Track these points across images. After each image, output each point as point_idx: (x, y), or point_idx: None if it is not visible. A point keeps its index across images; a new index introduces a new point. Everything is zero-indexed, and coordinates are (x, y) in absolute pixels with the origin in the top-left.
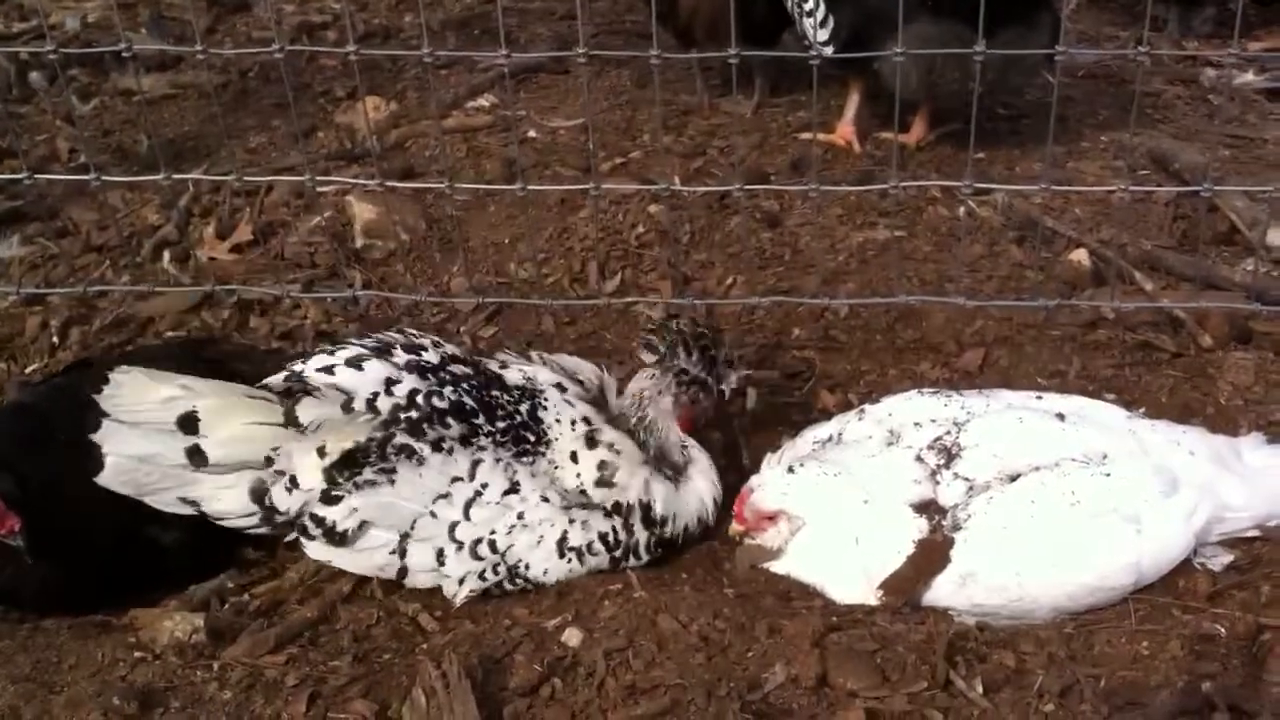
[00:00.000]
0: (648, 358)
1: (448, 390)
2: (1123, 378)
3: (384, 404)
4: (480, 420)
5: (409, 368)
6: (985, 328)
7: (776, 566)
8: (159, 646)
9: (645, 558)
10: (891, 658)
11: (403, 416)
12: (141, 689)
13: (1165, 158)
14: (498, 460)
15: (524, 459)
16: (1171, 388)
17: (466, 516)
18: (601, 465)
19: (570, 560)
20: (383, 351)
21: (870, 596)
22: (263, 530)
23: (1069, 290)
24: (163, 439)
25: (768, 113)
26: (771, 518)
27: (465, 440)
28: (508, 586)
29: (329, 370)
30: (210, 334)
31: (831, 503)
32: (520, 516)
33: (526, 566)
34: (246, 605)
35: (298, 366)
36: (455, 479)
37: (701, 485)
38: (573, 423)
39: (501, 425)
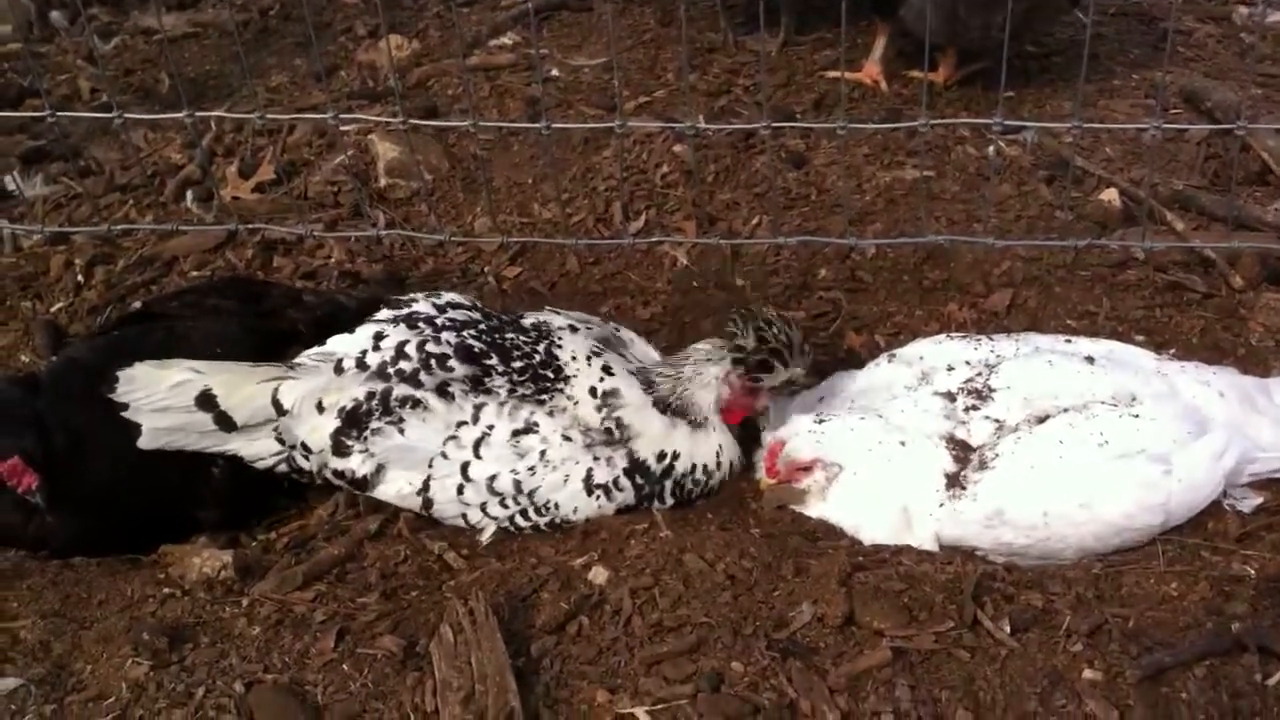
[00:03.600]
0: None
1: (447, 335)
2: (1153, 318)
3: (373, 359)
4: (494, 361)
5: (395, 321)
6: (1014, 268)
7: (810, 512)
8: (188, 582)
9: (670, 501)
10: (919, 597)
11: (392, 370)
12: (171, 624)
13: (1197, 96)
14: (503, 403)
15: (543, 396)
16: (1202, 328)
17: (477, 455)
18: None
19: (598, 497)
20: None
21: (908, 537)
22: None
23: (1099, 230)
24: (189, 415)
25: (793, 51)
26: (806, 468)
27: (476, 381)
28: (535, 519)
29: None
30: (259, 278)
31: (868, 446)
32: (543, 455)
33: (556, 506)
34: (274, 542)
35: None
36: (461, 422)
37: (721, 439)
38: (588, 358)
39: (519, 365)
